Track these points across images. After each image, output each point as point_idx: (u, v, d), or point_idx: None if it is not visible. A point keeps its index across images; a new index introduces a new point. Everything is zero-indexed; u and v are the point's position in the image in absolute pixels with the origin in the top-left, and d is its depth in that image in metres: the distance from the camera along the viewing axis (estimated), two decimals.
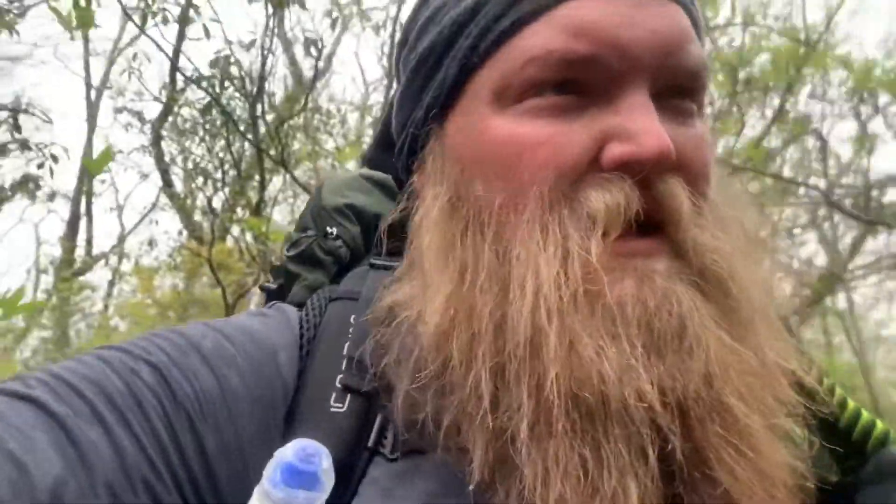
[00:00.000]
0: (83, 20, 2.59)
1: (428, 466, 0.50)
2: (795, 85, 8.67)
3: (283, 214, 9.33)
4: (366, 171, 0.79)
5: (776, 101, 8.99)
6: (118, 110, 9.07)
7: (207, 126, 6.71)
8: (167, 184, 8.39)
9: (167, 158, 8.23)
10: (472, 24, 0.54)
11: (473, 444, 0.48)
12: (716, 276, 0.50)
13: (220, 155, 6.92)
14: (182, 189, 8.51)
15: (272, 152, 5.15)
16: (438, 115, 0.57)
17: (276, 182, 7.87)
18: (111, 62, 10.46)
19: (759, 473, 0.47)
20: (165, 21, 4.13)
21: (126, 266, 10.90)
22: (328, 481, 0.43)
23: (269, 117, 6.03)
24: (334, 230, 0.74)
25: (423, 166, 0.59)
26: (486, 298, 0.50)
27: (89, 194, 10.99)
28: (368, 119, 9.58)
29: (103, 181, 11.32)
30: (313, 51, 5.27)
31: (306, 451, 0.42)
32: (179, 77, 6.61)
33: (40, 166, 5.28)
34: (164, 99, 7.60)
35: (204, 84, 4.98)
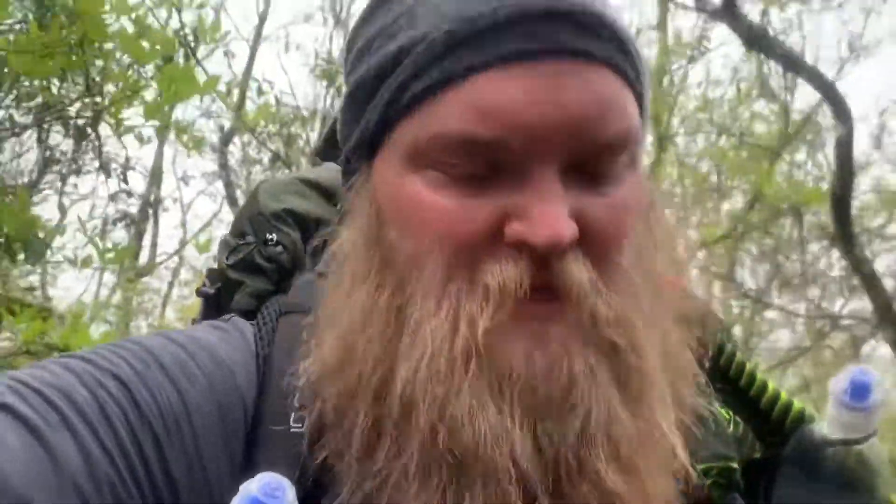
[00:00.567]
0: (196, 144, 3.40)
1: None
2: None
3: None
4: (302, 173, 0.79)
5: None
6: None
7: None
8: (231, 200, 9.07)
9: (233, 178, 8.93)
10: (392, 77, 0.54)
11: (344, 483, 0.51)
12: (614, 346, 0.51)
13: None
14: None
15: None
16: (368, 151, 0.57)
17: None
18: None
19: None
20: None
21: (185, 273, 11.62)
22: None
23: None
24: (274, 236, 0.73)
25: (351, 193, 0.59)
26: (375, 349, 0.52)
27: (157, 201, 11.76)
28: None
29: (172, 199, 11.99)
30: None
31: (271, 486, 0.43)
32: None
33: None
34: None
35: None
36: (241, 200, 9.14)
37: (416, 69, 0.52)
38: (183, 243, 12.31)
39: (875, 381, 0.56)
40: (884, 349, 8.00)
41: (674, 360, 0.55)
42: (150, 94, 2.91)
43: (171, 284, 11.92)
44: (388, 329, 0.52)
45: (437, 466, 0.49)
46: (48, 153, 4.95)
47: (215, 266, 0.77)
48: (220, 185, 9.48)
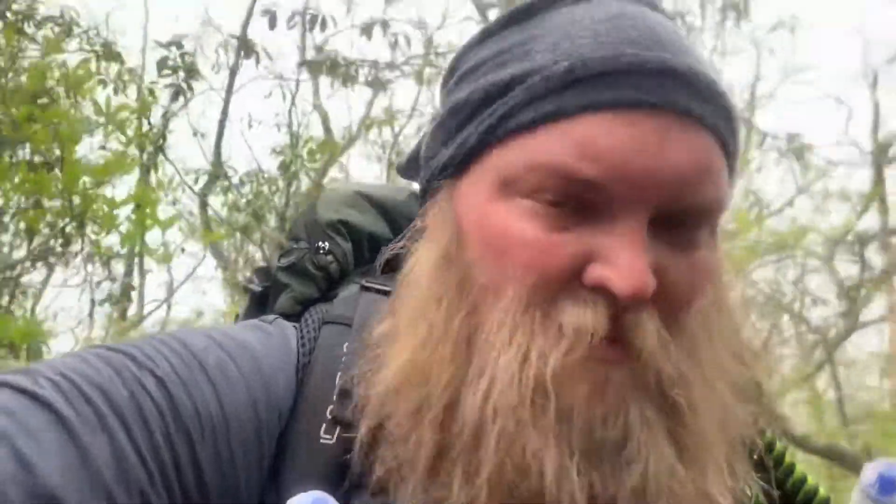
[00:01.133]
0: (165, 258, 4.16)
1: None
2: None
3: None
4: (362, 187, 0.79)
5: None
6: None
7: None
8: (216, 255, 9.53)
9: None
10: (500, 102, 0.55)
11: (396, 498, 0.51)
12: (674, 403, 0.51)
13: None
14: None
15: None
16: (455, 171, 0.58)
17: None
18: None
19: None
20: None
21: (173, 324, 12.07)
22: None
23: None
24: (326, 245, 0.74)
25: (431, 211, 0.60)
26: (445, 372, 0.52)
27: (142, 253, 12.25)
28: None
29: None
30: None
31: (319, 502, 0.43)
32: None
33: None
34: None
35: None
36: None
37: (527, 98, 0.53)
38: (171, 292, 12.85)
39: None
40: None
41: (729, 430, 0.55)
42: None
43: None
44: (460, 354, 0.52)
45: (501, 501, 0.49)
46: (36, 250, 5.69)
47: (264, 265, 0.78)
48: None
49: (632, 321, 0.51)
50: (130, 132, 4.52)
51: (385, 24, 7.03)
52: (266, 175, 7.08)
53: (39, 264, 6.36)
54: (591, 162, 0.51)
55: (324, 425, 0.55)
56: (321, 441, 0.55)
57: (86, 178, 3.82)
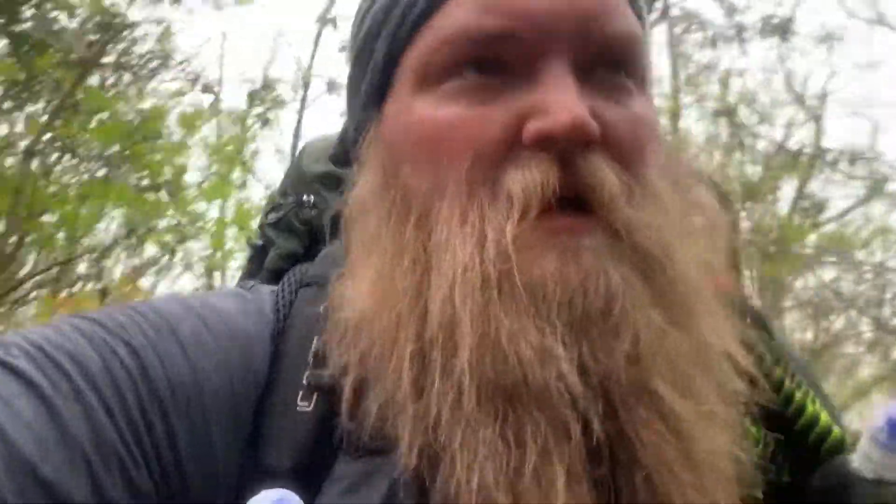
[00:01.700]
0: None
1: (389, 465, 0.48)
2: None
3: None
4: None
5: None
6: None
7: None
8: None
9: None
10: (396, 8, 0.54)
11: (400, 432, 0.48)
12: (650, 253, 0.49)
13: None
14: None
15: None
16: (375, 102, 0.57)
17: None
18: None
19: (688, 459, 0.46)
20: None
21: None
22: None
23: None
24: (311, 198, 0.72)
25: (362, 155, 0.58)
26: (408, 284, 0.50)
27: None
28: None
29: None
30: None
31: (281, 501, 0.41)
32: None
33: None
34: None
35: None
36: None
37: None
38: None
39: None
40: None
41: (712, 283, 0.53)
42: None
43: None
44: (419, 264, 0.50)
45: (489, 397, 0.46)
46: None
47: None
48: None
49: (584, 166, 0.49)
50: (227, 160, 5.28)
51: None
52: None
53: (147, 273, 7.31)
54: (493, 15, 0.50)
55: (300, 392, 0.53)
56: (298, 409, 0.53)
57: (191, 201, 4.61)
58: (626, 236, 0.48)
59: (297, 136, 8.20)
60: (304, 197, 0.74)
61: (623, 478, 0.46)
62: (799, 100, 9.72)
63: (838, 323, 10.52)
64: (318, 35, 8.01)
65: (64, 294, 6.18)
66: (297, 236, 0.72)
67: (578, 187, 0.48)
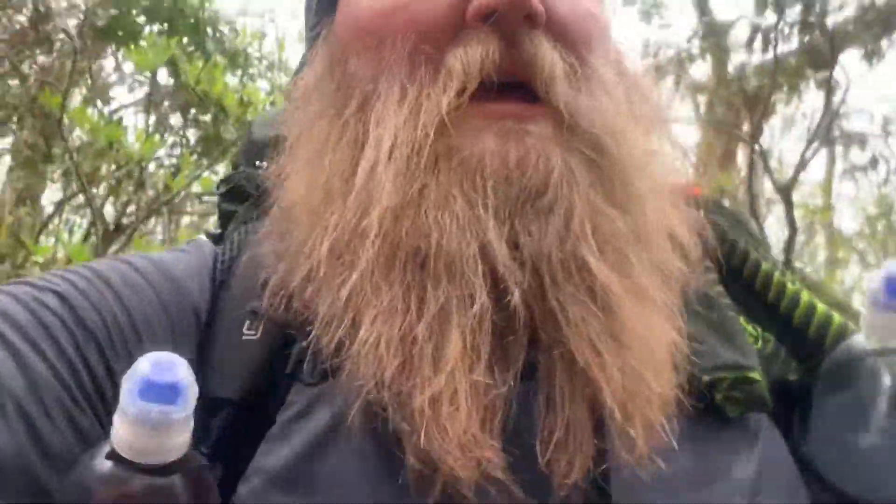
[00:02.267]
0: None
1: (341, 386, 0.46)
2: None
3: None
4: None
5: None
6: None
7: None
8: None
9: None
10: None
11: (320, 306, 0.47)
12: (592, 135, 0.48)
13: None
14: None
15: None
16: (327, 10, 0.57)
17: None
18: None
19: (615, 338, 0.45)
20: None
21: None
22: (188, 394, 0.39)
23: None
24: (265, 163, 0.69)
25: (310, 57, 0.57)
26: (343, 161, 0.49)
27: None
28: None
29: None
30: None
31: (161, 364, 0.39)
32: None
33: None
34: None
35: None
36: None
37: None
38: None
39: None
40: None
41: (659, 180, 0.52)
42: None
43: None
44: (358, 140, 0.49)
45: (401, 260, 0.45)
46: None
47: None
48: None
49: (528, 46, 0.48)
50: None
51: None
52: None
53: None
54: None
55: (247, 322, 0.52)
56: (244, 337, 0.51)
57: None
58: (568, 118, 0.48)
59: None
60: (258, 162, 0.74)
61: (543, 356, 0.45)
62: None
63: None
64: None
65: None
66: (254, 203, 0.70)
67: (521, 67, 0.48)
